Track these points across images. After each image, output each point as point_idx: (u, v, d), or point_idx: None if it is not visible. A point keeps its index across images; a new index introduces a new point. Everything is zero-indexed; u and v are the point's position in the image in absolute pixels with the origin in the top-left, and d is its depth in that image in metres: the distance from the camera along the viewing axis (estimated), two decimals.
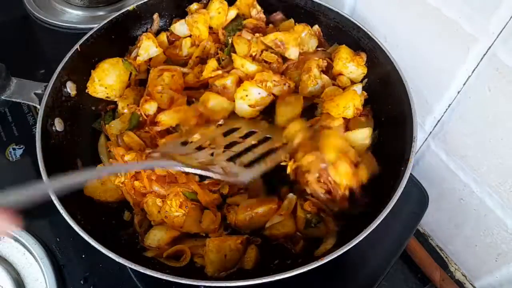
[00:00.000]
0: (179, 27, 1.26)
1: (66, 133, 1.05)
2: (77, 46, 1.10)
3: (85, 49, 1.12)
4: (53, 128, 1.02)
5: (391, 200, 0.84)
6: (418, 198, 1.09)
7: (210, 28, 1.24)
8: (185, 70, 1.17)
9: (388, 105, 1.08)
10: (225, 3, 1.24)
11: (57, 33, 1.53)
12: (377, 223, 0.81)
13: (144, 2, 1.23)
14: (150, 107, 1.07)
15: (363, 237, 0.80)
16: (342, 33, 1.20)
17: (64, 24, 1.53)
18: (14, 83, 1.10)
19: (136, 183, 0.96)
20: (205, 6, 1.28)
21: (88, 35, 1.13)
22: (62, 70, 1.06)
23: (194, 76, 1.16)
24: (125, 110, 1.10)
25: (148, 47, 1.17)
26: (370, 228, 0.81)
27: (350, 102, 1.04)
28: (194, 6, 1.28)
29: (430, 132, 1.12)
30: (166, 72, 1.10)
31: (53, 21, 1.53)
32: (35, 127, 1.26)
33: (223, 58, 1.20)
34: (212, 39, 1.23)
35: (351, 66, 1.13)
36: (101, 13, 1.58)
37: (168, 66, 1.15)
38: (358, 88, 1.13)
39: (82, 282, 1.01)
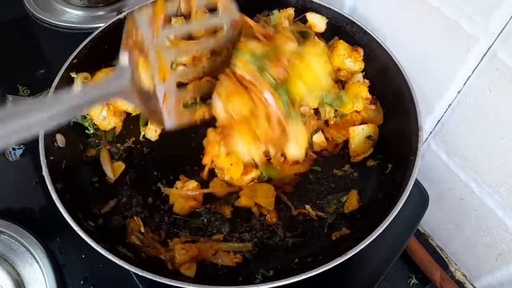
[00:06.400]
0: None
1: (68, 148, 1.03)
2: (71, 58, 1.07)
3: (80, 61, 1.08)
4: (55, 144, 1.00)
5: (408, 186, 0.86)
6: (418, 198, 1.09)
7: None
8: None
9: (389, 96, 1.08)
10: None
11: (57, 33, 1.53)
12: (398, 210, 0.84)
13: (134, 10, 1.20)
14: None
15: (386, 224, 0.82)
16: (336, 29, 1.20)
17: (64, 24, 1.53)
18: (10, 101, 1.08)
19: None
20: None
21: (81, 46, 1.09)
22: (60, 81, 1.03)
23: None
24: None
25: None
26: (392, 215, 0.83)
27: (357, 95, 1.05)
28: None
29: (430, 132, 1.12)
30: None
31: (53, 21, 1.53)
32: None
33: None
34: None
35: (348, 62, 1.13)
36: (100, 13, 1.58)
37: None
38: (359, 77, 1.14)
39: (82, 282, 1.01)
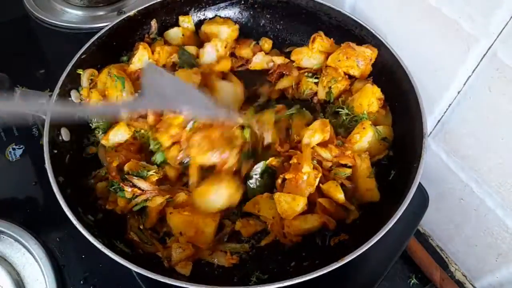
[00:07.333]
0: (173, 34, 1.24)
1: (72, 142, 1.04)
2: (79, 53, 1.08)
3: (88, 57, 1.10)
4: (60, 138, 1.01)
5: (409, 193, 0.86)
6: (418, 198, 1.09)
7: None
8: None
9: (395, 102, 1.08)
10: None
11: (57, 33, 1.53)
12: (398, 216, 0.84)
13: (144, 7, 1.20)
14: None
15: (385, 231, 0.82)
16: (344, 32, 1.20)
17: (64, 24, 1.53)
18: (18, 93, 1.07)
19: None
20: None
21: (90, 42, 1.10)
22: (66, 78, 1.04)
23: None
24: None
25: (142, 57, 1.14)
26: (391, 223, 0.83)
27: (372, 98, 1.05)
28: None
29: (430, 132, 1.12)
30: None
31: (53, 21, 1.53)
32: (35, 127, 1.26)
33: None
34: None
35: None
36: (101, 13, 1.57)
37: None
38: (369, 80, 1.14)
39: (82, 282, 1.01)
